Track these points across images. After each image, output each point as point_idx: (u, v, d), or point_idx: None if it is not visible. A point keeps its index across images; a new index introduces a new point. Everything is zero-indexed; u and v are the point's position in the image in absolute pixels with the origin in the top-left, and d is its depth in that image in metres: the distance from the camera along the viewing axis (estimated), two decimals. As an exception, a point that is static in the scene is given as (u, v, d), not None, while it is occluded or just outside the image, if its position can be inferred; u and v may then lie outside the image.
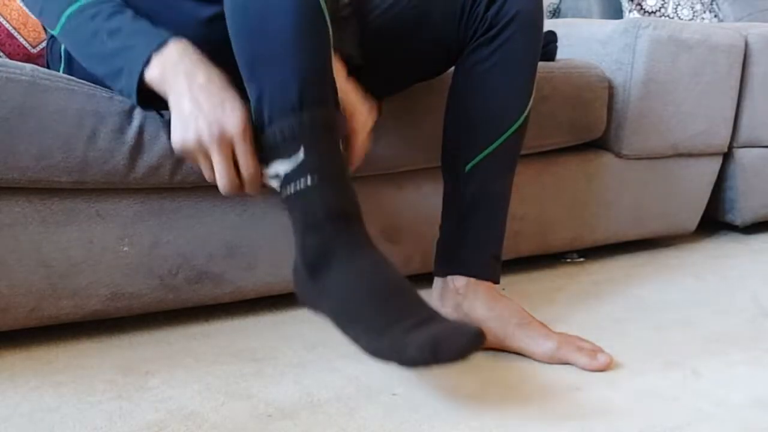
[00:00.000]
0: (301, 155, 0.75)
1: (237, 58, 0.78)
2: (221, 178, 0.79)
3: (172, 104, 0.79)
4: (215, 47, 0.80)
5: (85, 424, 0.75)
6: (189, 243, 0.99)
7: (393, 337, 0.71)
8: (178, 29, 0.82)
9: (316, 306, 0.79)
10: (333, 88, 0.80)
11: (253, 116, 0.78)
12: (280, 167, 0.76)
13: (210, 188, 1.00)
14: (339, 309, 0.76)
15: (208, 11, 0.83)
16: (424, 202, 1.16)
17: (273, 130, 0.75)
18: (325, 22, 0.76)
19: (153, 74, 0.79)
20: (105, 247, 0.94)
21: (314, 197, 0.76)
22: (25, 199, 0.90)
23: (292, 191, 0.76)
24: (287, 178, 0.76)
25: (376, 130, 1.00)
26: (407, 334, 0.71)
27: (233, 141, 0.77)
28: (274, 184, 0.78)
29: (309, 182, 0.75)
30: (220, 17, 0.80)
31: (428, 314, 0.74)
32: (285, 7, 0.74)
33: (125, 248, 0.96)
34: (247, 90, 0.78)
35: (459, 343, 0.69)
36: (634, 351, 0.95)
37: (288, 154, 0.75)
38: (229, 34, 0.77)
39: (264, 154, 0.77)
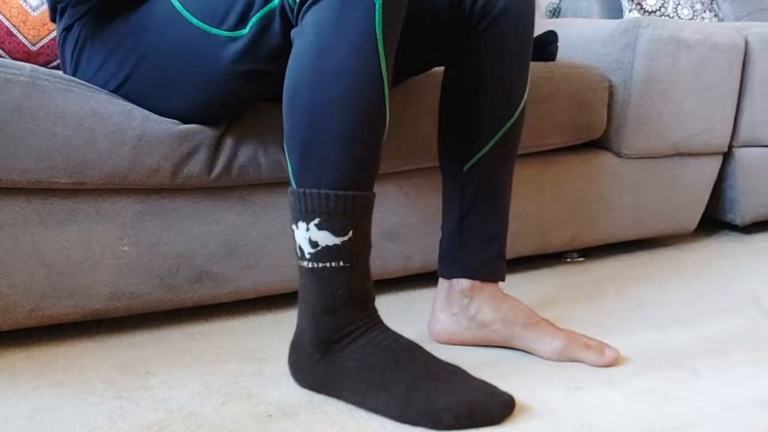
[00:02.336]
0: (347, 238, 0.76)
1: (289, 121, 0.77)
2: None
3: None
4: (245, 77, 0.84)
5: (85, 424, 0.75)
6: (189, 243, 0.99)
7: (423, 404, 0.73)
8: (209, 63, 0.85)
9: (325, 386, 0.80)
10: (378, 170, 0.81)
11: (295, 178, 0.77)
12: (323, 238, 0.76)
13: (210, 188, 1.00)
14: (356, 381, 0.77)
15: (237, 45, 0.84)
16: (424, 202, 1.16)
17: (327, 196, 0.75)
18: (386, 113, 0.77)
19: None
20: (105, 247, 0.94)
21: (342, 280, 0.77)
22: (24, 199, 0.90)
23: (321, 265, 0.77)
24: (324, 252, 0.76)
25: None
26: (437, 398, 0.73)
27: None
28: (305, 245, 0.77)
29: (342, 264, 0.77)
30: (248, 51, 0.84)
31: (450, 373, 0.77)
32: (353, 101, 0.74)
33: (125, 248, 0.96)
34: (292, 149, 0.77)
35: (494, 411, 0.74)
36: (634, 351, 0.95)
37: (336, 231, 0.76)
38: (285, 103, 0.77)
39: (308, 214, 0.76)
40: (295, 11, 0.77)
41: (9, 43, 1.19)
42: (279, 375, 0.86)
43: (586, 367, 0.89)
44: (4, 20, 1.17)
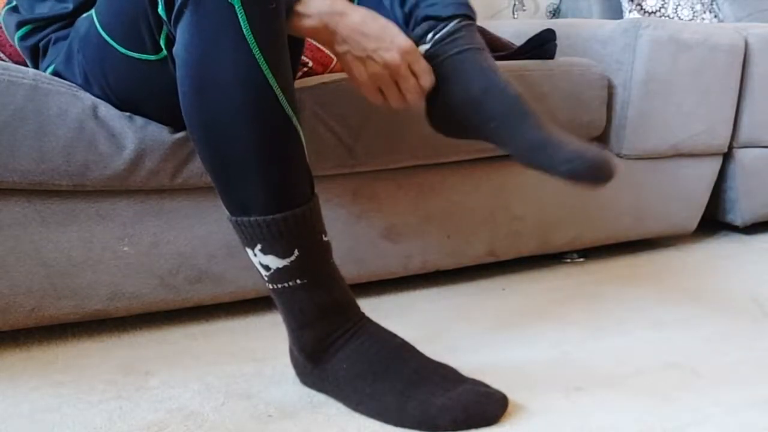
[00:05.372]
0: (294, 257, 0.74)
1: (195, 145, 0.74)
2: (411, 88, 0.82)
3: (342, 51, 0.80)
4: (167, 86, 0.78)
5: (85, 424, 0.75)
6: (189, 243, 0.99)
7: (417, 411, 0.73)
8: (158, 87, 0.83)
9: (320, 389, 0.80)
10: (310, 176, 0.77)
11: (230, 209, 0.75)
12: (271, 262, 0.74)
13: (210, 188, 1.00)
14: (349, 392, 0.77)
15: (169, 65, 0.81)
16: (424, 202, 1.16)
17: (258, 223, 0.73)
18: (290, 122, 0.72)
19: (310, 24, 0.78)
20: (105, 247, 0.94)
21: (305, 297, 0.76)
22: (25, 199, 0.90)
23: (279, 286, 0.76)
24: (277, 274, 0.75)
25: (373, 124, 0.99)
26: (431, 404, 0.73)
27: (410, 54, 0.81)
28: (259, 268, 0.76)
29: (299, 282, 0.75)
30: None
31: (442, 376, 0.76)
32: (246, 117, 0.70)
33: (125, 248, 0.96)
34: (209, 173, 0.75)
35: (490, 411, 0.74)
36: (634, 351, 0.95)
37: (281, 253, 0.74)
38: (186, 125, 0.74)
39: (249, 241, 0.74)
40: (172, 27, 0.73)
41: (10, 46, 1.19)
42: (279, 375, 0.86)
43: (586, 367, 0.89)
44: (5, 31, 1.17)
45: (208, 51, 0.69)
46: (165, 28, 0.78)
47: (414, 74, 0.82)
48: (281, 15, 0.72)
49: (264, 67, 0.69)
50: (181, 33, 0.71)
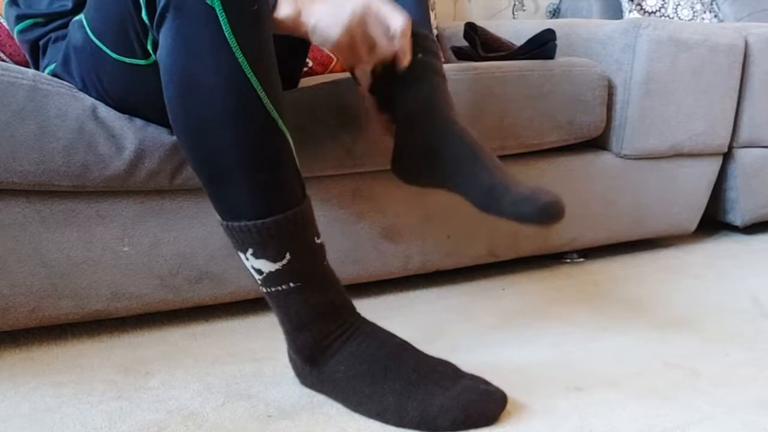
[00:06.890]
0: (285, 261, 0.74)
1: (193, 165, 0.73)
2: (382, 37, 0.79)
3: (311, 17, 0.77)
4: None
5: (85, 424, 0.75)
6: (189, 243, 0.99)
7: (417, 412, 0.73)
8: (152, 91, 0.81)
9: (319, 390, 0.80)
10: (301, 179, 0.76)
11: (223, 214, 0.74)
12: (263, 266, 0.74)
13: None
14: (348, 393, 0.77)
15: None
16: (424, 202, 1.16)
17: (248, 228, 0.72)
18: (276, 125, 0.72)
19: (287, 11, 0.76)
20: (105, 247, 0.94)
21: (299, 299, 0.76)
22: (25, 199, 0.90)
23: (273, 290, 0.76)
24: (270, 277, 0.75)
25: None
26: (430, 404, 0.73)
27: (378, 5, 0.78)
28: (252, 272, 0.76)
29: (292, 285, 0.75)
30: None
31: (440, 374, 0.76)
32: (231, 122, 0.69)
33: (125, 248, 0.96)
34: (198, 178, 0.74)
35: (489, 410, 0.74)
36: (634, 351, 0.95)
37: (272, 258, 0.73)
38: (180, 145, 0.74)
39: (240, 246, 0.74)
40: (155, 32, 0.73)
41: (10, 46, 1.19)
42: (279, 375, 0.86)
43: (586, 367, 0.90)
44: (5, 23, 1.17)
45: (190, 55, 0.68)
46: (149, 35, 0.77)
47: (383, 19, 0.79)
48: (264, 17, 0.71)
49: (247, 69, 0.69)
50: (163, 38, 0.70)
